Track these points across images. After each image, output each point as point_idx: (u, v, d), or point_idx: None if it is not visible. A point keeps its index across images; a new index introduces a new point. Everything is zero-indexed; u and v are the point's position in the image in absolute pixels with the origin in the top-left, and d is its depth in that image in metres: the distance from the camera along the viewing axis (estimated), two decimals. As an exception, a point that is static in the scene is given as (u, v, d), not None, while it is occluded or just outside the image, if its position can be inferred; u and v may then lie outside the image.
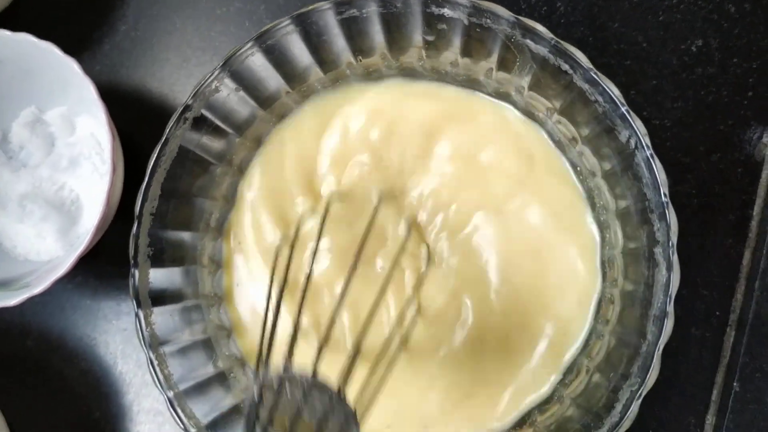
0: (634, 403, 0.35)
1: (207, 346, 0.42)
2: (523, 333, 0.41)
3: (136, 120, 0.50)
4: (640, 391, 0.35)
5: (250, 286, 0.43)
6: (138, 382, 0.49)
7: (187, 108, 0.39)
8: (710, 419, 0.44)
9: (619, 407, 0.35)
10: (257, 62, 0.40)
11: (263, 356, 0.32)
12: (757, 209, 0.45)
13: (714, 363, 0.45)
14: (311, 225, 0.42)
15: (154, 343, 0.39)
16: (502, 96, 0.42)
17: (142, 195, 0.39)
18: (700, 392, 0.44)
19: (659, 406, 0.44)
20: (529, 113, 0.41)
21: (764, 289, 0.43)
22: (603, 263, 0.40)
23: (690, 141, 0.45)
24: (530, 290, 0.41)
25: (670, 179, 0.36)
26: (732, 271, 0.45)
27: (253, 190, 0.43)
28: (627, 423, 0.35)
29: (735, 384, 0.43)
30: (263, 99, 0.42)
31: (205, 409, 0.39)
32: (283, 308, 0.35)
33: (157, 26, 0.50)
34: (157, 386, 0.38)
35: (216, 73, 0.39)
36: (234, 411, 0.40)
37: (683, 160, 0.45)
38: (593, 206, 0.40)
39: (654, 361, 0.34)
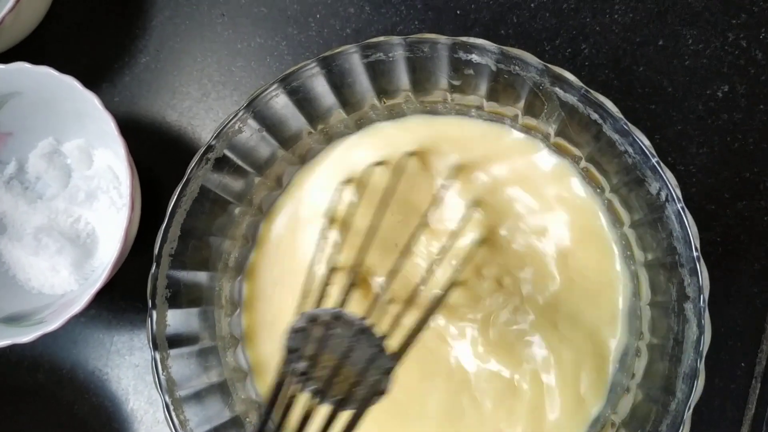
0: (663, 466, 0.34)
1: (223, 389, 0.41)
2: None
3: (154, 152, 0.50)
4: (669, 453, 0.34)
5: (273, 327, 0.43)
6: (149, 419, 0.48)
7: (209, 148, 0.39)
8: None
9: (646, 466, 0.34)
10: (281, 103, 0.40)
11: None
12: (783, 258, 0.44)
13: (739, 416, 0.44)
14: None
15: (170, 388, 0.38)
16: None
17: (161, 236, 0.38)
18: (725, 447, 0.43)
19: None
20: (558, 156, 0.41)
21: (791, 342, 0.43)
22: (630, 315, 0.39)
23: (715, 188, 0.45)
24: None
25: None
26: (757, 321, 0.44)
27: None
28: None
29: (761, 437, 0.43)
30: (285, 139, 0.41)
31: (221, 456, 0.38)
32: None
33: (178, 59, 0.50)
34: (172, 432, 0.38)
35: (240, 113, 0.39)
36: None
37: (708, 207, 0.45)
38: (622, 255, 0.40)
39: (684, 420, 0.34)
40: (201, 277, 0.41)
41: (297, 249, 0.43)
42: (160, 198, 0.49)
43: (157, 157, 0.50)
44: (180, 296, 0.40)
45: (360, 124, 0.43)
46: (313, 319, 0.32)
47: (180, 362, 0.39)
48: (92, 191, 0.48)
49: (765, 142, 0.45)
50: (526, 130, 0.40)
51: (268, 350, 0.43)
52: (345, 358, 0.31)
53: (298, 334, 0.32)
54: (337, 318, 0.32)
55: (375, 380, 0.31)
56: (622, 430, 0.37)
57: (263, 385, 0.42)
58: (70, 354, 0.50)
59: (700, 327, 0.34)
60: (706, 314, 0.34)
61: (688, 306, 0.34)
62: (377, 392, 0.31)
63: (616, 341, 0.39)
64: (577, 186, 0.40)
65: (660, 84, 0.46)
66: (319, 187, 0.43)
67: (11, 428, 0.49)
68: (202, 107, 0.50)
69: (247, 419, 0.41)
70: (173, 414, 0.38)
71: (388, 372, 0.31)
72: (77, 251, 0.47)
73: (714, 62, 0.45)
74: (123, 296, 0.49)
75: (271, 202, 0.43)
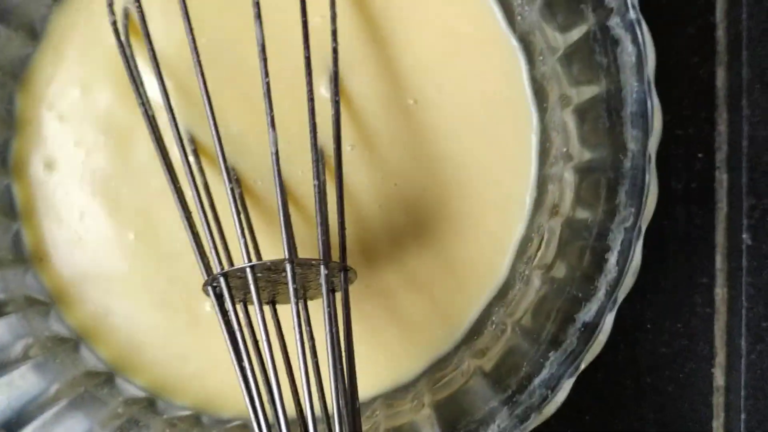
0: (633, 245, 0.23)
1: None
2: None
3: None
4: (638, 225, 0.23)
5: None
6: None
7: None
8: (719, 292, 0.34)
9: (612, 259, 0.23)
10: None
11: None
12: (719, 15, 0.35)
13: (710, 219, 0.34)
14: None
15: None
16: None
17: None
18: (700, 261, 0.34)
19: (651, 291, 0.33)
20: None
21: (755, 107, 0.33)
22: (534, 80, 0.29)
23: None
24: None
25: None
26: (707, 97, 0.35)
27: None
28: (629, 280, 0.23)
29: (744, 236, 0.33)
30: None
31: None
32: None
33: None
34: None
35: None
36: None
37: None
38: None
39: (647, 176, 0.23)
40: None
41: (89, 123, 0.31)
42: None
43: None
44: None
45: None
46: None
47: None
48: None
49: None
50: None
51: (75, 271, 0.31)
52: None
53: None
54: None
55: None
56: (566, 229, 0.26)
57: (74, 316, 0.30)
58: None
59: (635, 42, 0.23)
60: (644, 25, 0.23)
61: (614, 22, 0.24)
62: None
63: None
64: None
65: None
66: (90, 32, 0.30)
67: None
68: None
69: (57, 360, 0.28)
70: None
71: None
72: None
73: None
74: None
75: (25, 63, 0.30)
